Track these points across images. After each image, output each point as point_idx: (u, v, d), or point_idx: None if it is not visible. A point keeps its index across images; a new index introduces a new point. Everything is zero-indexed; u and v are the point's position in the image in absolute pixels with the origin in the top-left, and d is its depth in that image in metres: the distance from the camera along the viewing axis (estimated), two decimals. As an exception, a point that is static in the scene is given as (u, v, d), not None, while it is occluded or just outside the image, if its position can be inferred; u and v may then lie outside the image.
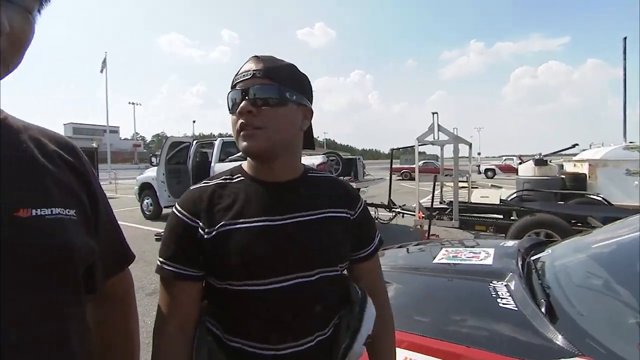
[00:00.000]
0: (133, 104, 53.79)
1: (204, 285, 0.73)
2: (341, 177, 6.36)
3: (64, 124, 70.58)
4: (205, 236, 0.67)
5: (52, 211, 0.49)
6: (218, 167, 6.72)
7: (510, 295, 1.36)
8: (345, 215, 0.77)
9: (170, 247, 0.70)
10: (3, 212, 0.45)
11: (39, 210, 0.48)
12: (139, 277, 3.84)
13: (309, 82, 0.76)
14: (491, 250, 1.89)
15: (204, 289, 0.73)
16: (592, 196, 6.24)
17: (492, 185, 15.09)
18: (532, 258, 1.76)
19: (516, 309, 1.27)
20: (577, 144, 11.90)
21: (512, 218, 5.07)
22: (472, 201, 6.25)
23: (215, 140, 7.40)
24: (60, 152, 0.57)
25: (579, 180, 8.60)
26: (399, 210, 6.02)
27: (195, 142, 8.00)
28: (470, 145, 6.27)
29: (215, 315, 0.72)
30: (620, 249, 1.57)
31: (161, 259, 0.70)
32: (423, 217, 5.14)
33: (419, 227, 5.28)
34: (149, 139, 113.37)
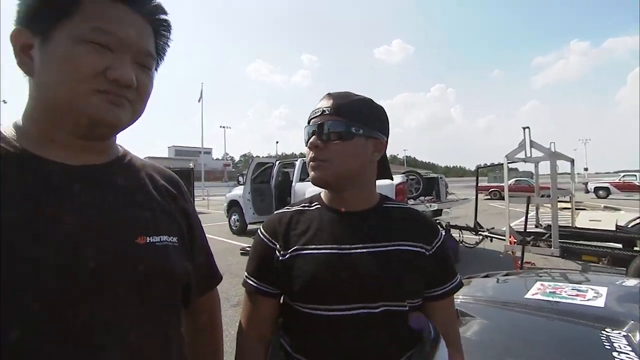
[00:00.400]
0: (224, 127, 59.82)
1: (281, 303, 0.78)
2: (422, 197, 6.11)
3: (168, 147, 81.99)
4: (281, 258, 0.74)
5: (160, 239, 0.59)
6: (299, 187, 7.00)
7: (632, 350, 1.12)
8: (419, 249, 0.75)
9: (253, 264, 0.79)
10: (129, 238, 0.56)
11: (151, 238, 0.58)
12: (225, 289, 4.14)
13: (384, 113, 0.78)
14: (603, 290, 1.59)
15: (281, 306, 0.79)
16: None
17: (605, 207, 12.94)
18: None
19: (637, 365, 1.04)
20: None
21: (635, 249, 4.24)
22: (578, 226, 5.42)
23: (296, 160, 7.74)
24: (167, 186, 0.68)
25: None
26: (486, 233, 5.49)
27: (278, 162, 8.48)
28: (572, 161, 5.50)
29: (288, 332, 0.76)
30: None
31: (246, 274, 0.79)
32: (515, 242, 4.60)
33: (510, 253, 4.74)
34: (237, 158, 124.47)
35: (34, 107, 0.56)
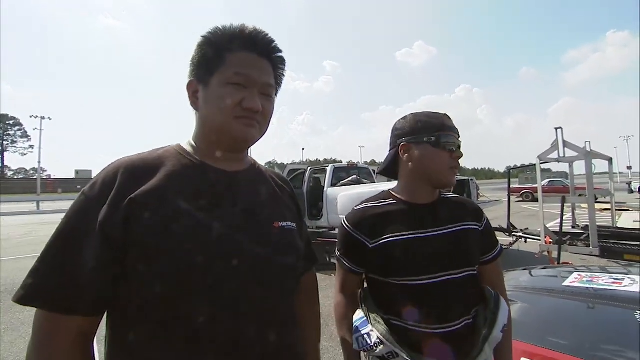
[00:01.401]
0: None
1: (365, 279, 1.02)
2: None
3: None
4: (370, 246, 0.95)
5: (287, 224, 0.80)
6: (330, 192, 7.22)
7: (661, 324, 1.26)
8: (475, 226, 0.99)
9: (344, 249, 1.02)
10: (270, 222, 0.77)
11: (282, 223, 0.78)
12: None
13: None
14: (638, 278, 1.71)
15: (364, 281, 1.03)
16: None
17: (648, 207, 12.31)
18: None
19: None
20: None
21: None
22: (619, 226, 5.32)
23: (327, 166, 7.98)
24: (282, 184, 0.91)
25: None
26: (520, 234, 5.50)
27: (309, 168, 8.76)
28: (610, 159, 5.41)
29: (371, 302, 0.98)
30: None
31: (339, 254, 1.03)
32: (551, 242, 4.60)
33: (545, 253, 4.74)
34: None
35: (200, 131, 0.80)
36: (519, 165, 6.40)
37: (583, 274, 1.91)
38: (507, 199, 6.12)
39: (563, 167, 6.07)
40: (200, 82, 0.76)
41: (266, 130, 0.81)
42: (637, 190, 19.55)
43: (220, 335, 0.65)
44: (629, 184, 21.11)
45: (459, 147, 0.97)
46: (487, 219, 1.05)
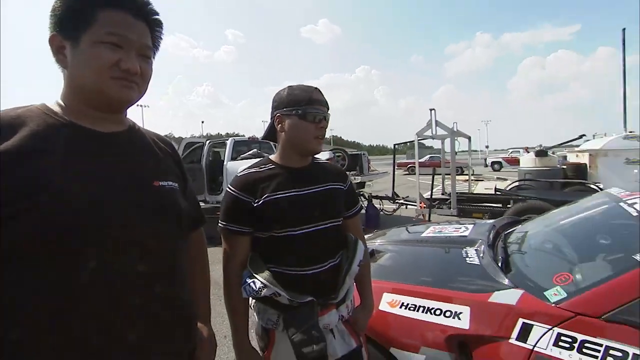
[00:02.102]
0: (141, 106, 54.60)
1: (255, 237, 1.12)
2: (348, 172, 6.69)
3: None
4: (255, 205, 1.07)
5: (167, 183, 0.82)
6: (230, 165, 7.12)
7: (476, 256, 1.73)
8: (341, 187, 1.20)
9: (229, 213, 1.10)
10: (149, 182, 0.78)
11: (162, 182, 0.80)
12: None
13: None
14: (470, 226, 2.26)
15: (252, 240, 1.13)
16: (590, 185, 6.47)
17: (497, 178, 15.31)
18: (506, 232, 2.13)
19: (478, 263, 1.65)
20: (584, 135, 12.14)
21: (508, 206, 5.39)
22: (473, 192, 6.57)
23: (227, 140, 7.80)
24: (165, 147, 0.93)
25: (579, 170, 8.78)
26: (402, 201, 6.37)
27: (208, 142, 8.41)
28: (469, 138, 6.58)
29: (259, 257, 1.11)
30: (561, 223, 1.93)
31: (224, 222, 1.10)
32: (424, 206, 5.49)
33: (421, 216, 5.64)
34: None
35: (70, 91, 0.75)
36: (402, 142, 7.25)
37: (437, 227, 2.42)
38: (395, 172, 6.95)
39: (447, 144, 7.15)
40: (67, 39, 0.72)
41: (145, 92, 0.81)
42: (490, 164, 23.91)
43: (98, 292, 0.66)
44: (485, 159, 25.74)
45: (325, 118, 1.12)
46: (351, 182, 1.27)
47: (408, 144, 7.26)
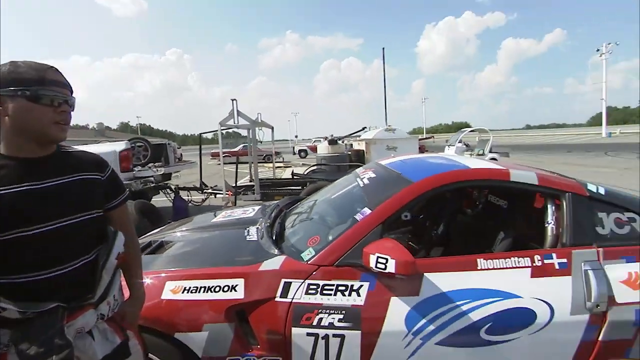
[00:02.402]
0: None
1: None
2: (151, 163, 6.09)
3: None
4: None
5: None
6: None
7: (255, 233, 1.94)
8: (97, 176, 1.09)
9: None
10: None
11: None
12: None
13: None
14: (257, 207, 2.49)
15: None
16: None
17: (303, 164, 17.27)
18: (288, 210, 2.45)
19: (256, 239, 1.85)
20: (365, 128, 15.29)
21: (305, 187, 6.20)
22: (276, 177, 7.21)
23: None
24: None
25: (359, 155, 11.00)
26: (210, 191, 6.33)
27: None
28: (272, 128, 7.13)
29: None
30: (324, 197, 2.39)
31: None
32: (231, 194, 5.64)
33: (230, 203, 5.77)
34: None
35: None
36: (207, 132, 7.13)
37: (229, 211, 2.54)
38: (216, 161, 6.78)
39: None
40: None
41: None
42: (298, 152, 26.72)
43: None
44: (294, 148, 28.59)
45: (68, 102, 1.00)
46: (112, 170, 1.16)
47: (214, 133, 7.25)
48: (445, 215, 2.47)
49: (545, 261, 1.49)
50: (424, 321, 1.40)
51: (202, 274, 1.57)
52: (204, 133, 7.03)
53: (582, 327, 1.42)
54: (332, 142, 11.92)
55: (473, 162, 1.82)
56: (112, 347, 1.09)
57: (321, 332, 1.42)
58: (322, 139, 26.94)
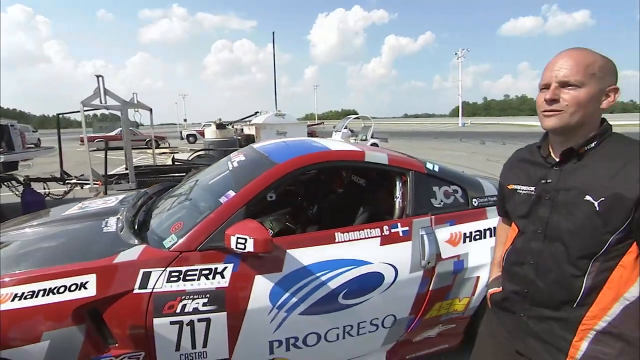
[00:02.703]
0: None
1: None
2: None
3: None
4: None
5: None
6: None
7: (115, 224, 1.76)
8: None
9: None
10: None
11: None
12: None
13: None
14: (121, 196, 2.26)
15: None
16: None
17: (190, 150, 16.18)
18: (158, 197, 2.28)
19: (114, 230, 1.69)
20: (258, 112, 15.11)
21: (188, 174, 5.83)
22: (157, 164, 6.62)
23: None
24: None
25: (250, 140, 10.94)
26: (74, 181, 5.45)
27: None
28: (150, 110, 6.45)
29: None
30: (197, 182, 2.30)
31: None
32: (102, 183, 4.96)
33: (101, 194, 5.06)
34: None
35: None
36: (69, 112, 6.06)
37: (85, 202, 2.25)
38: (80, 147, 5.77)
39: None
40: None
41: None
42: (186, 137, 24.89)
43: None
44: (181, 132, 26.52)
45: None
46: None
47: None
48: (319, 196, 2.63)
49: (392, 230, 1.73)
50: (287, 295, 1.49)
51: (41, 275, 1.37)
52: (62, 114, 5.96)
53: (418, 282, 1.71)
54: (220, 126, 11.54)
55: (334, 145, 1.98)
56: None
57: (185, 318, 1.39)
58: (212, 123, 25.63)
